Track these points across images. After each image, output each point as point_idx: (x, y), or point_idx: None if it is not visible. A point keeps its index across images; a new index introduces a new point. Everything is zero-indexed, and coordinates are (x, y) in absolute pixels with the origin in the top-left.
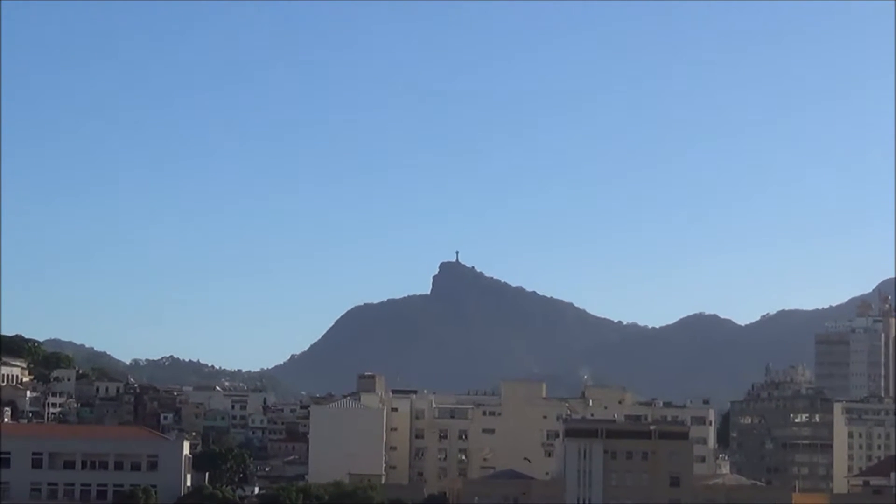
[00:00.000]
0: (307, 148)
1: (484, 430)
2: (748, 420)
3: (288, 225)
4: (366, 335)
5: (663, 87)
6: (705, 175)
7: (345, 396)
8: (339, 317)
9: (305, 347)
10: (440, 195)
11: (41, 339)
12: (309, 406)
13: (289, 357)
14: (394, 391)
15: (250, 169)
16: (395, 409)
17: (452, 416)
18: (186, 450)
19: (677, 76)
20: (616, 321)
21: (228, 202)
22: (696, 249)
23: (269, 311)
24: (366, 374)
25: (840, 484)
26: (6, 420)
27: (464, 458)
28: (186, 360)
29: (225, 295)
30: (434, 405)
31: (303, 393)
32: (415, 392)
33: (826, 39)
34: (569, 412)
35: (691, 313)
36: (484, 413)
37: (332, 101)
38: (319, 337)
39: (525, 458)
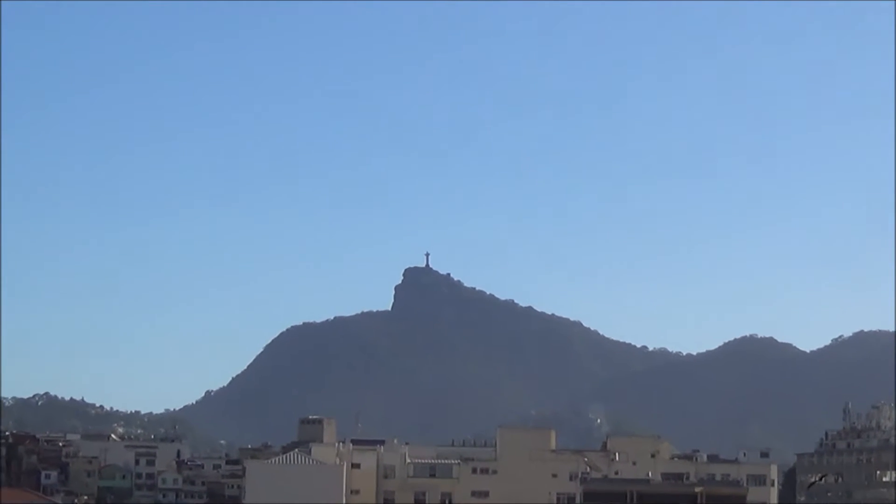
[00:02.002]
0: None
1: (474, 493)
2: (821, 478)
3: (202, 233)
4: (305, 366)
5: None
6: (763, 165)
7: (287, 448)
8: (269, 342)
9: (225, 382)
10: (402, 181)
11: None
12: (237, 460)
13: (203, 394)
14: (353, 441)
15: (159, 168)
16: (356, 466)
17: (433, 475)
18: None
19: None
20: (639, 346)
21: (128, 207)
22: (745, 257)
23: (175, 334)
24: (311, 417)
25: None
26: None
27: None
28: (66, 398)
29: (117, 317)
30: (408, 460)
31: (221, 442)
32: (381, 442)
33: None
34: (587, 469)
35: (739, 336)
36: (474, 470)
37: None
38: (244, 368)
39: None
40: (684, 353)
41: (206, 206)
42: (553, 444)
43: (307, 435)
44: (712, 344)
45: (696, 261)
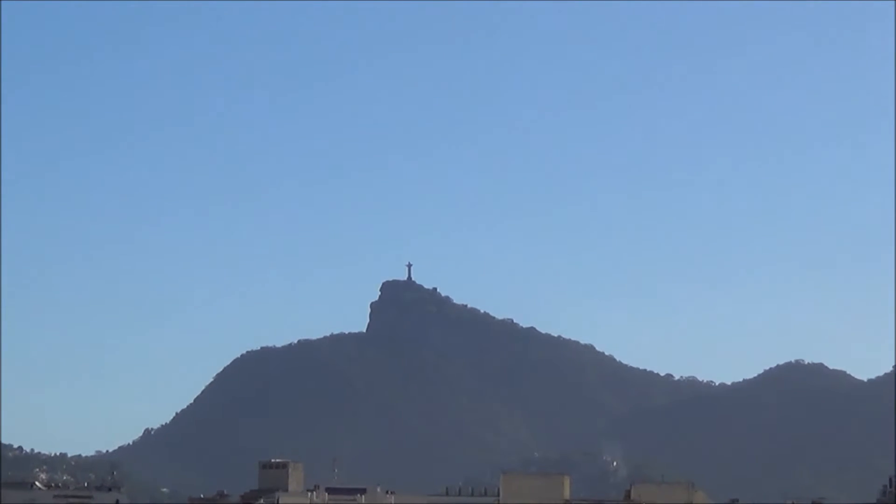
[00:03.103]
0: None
1: None
2: None
3: (137, 242)
4: (264, 399)
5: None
6: (809, 171)
7: (247, 497)
8: (220, 370)
9: (167, 418)
10: (378, 179)
11: None
12: None
13: (141, 433)
14: (329, 490)
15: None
16: None
17: None
18: None
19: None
20: (663, 375)
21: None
22: (789, 269)
23: (107, 361)
24: (273, 461)
25: None
26: None
27: None
28: None
29: (36, 343)
30: None
31: (164, 490)
32: (362, 491)
33: None
34: None
35: (783, 362)
36: None
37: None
38: (190, 401)
39: None
40: (717, 383)
41: (143, 213)
42: (567, 493)
43: (269, 481)
44: (750, 372)
45: (731, 273)
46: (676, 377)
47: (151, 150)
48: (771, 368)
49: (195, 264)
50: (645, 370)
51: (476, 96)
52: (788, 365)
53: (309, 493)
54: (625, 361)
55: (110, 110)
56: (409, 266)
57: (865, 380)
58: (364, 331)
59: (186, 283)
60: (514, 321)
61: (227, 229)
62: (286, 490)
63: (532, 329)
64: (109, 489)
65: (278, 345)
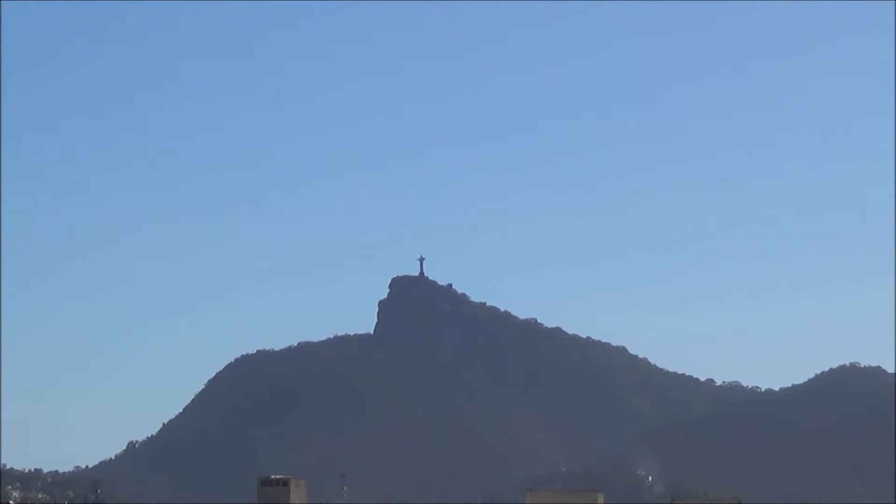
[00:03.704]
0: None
1: None
2: None
3: (127, 236)
4: (261, 408)
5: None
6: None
7: None
8: (212, 376)
9: (154, 429)
10: (387, 165)
11: None
12: None
13: (125, 446)
14: None
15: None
16: None
17: None
18: None
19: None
20: (703, 380)
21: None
22: (842, 262)
23: (87, 367)
24: (273, 477)
25: None
26: None
27: None
28: None
29: (9, 346)
30: None
31: None
32: None
33: None
34: None
35: (836, 365)
36: None
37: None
38: (179, 411)
39: None
40: (762, 389)
41: (130, 208)
42: None
43: (269, 499)
44: (800, 376)
45: (778, 269)
46: (718, 382)
47: (149, 146)
48: (823, 372)
49: (185, 259)
50: (683, 374)
51: (496, 86)
52: (842, 368)
53: None
54: (660, 365)
55: (108, 110)
56: (422, 260)
57: None
58: (371, 332)
59: (175, 281)
60: (538, 321)
61: (220, 222)
62: None
63: (558, 329)
64: None
65: (276, 348)
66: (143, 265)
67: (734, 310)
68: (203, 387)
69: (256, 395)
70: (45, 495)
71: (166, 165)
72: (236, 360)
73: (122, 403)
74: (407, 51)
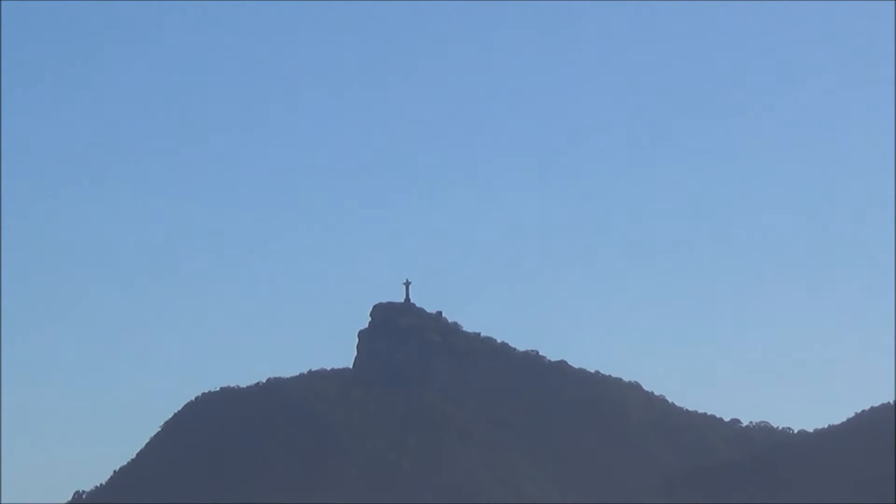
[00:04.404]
0: None
1: None
2: None
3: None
4: (225, 453)
5: None
6: None
7: None
8: (168, 417)
9: (103, 479)
10: (369, 177)
11: None
12: None
13: (70, 496)
14: None
15: None
16: None
17: None
18: None
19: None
20: (727, 420)
21: None
22: (883, 292)
23: (28, 406)
24: None
25: None
26: None
27: None
28: None
29: None
30: None
31: None
32: None
33: None
34: None
35: (879, 403)
36: None
37: None
38: (132, 456)
39: None
40: (795, 430)
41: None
42: None
43: None
44: (839, 415)
45: (810, 295)
46: (745, 423)
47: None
48: (864, 411)
49: (139, 284)
50: (705, 414)
51: (497, 89)
52: (885, 407)
53: None
54: (679, 403)
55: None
56: (407, 285)
57: None
58: (350, 366)
59: (127, 306)
60: (540, 353)
61: (177, 234)
62: None
63: (562, 363)
64: None
65: (242, 384)
66: (92, 293)
67: (762, 341)
68: (158, 429)
69: (219, 438)
70: None
71: (119, 195)
72: (196, 398)
73: (67, 449)
74: (394, 60)
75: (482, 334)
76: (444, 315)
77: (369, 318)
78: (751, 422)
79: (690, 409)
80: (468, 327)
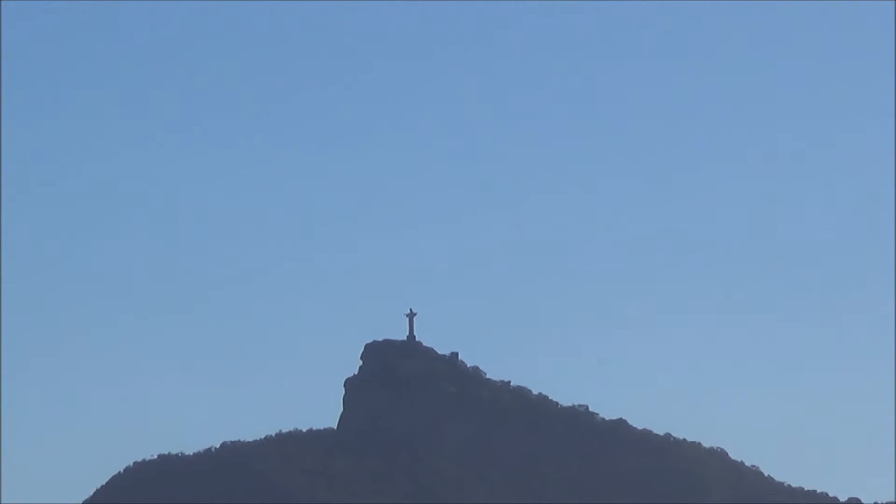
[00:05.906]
0: None
1: None
2: None
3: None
4: None
5: None
6: None
7: None
8: (89, 495)
9: None
10: (367, 191)
11: None
12: None
13: None
14: None
15: None
16: None
17: None
18: None
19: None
20: (843, 500)
21: None
22: None
23: None
24: None
25: None
26: None
27: None
28: None
29: None
30: None
31: None
32: None
33: None
34: None
35: None
36: None
37: None
38: None
39: None
40: (843, 500)
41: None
42: None
43: None
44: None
45: (863, 345)
46: (843, 499)
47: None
48: None
49: (53, 326)
50: (801, 489)
51: (511, 78)
52: None
53: None
54: (773, 475)
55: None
56: (411, 316)
57: None
58: (334, 427)
59: (47, 357)
60: (591, 409)
61: (114, 268)
62: None
63: (621, 422)
64: None
65: (188, 451)
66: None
67: (874, 402)
68: (89, 495)
69: None
70: None
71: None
72: (126, 469)
73: None
74: (391, 69)
75: (512, 383)
76: (460, 357)
77: (360, 362)
78: (876, 502)
79: (787, 482)
80: (493, 374)
